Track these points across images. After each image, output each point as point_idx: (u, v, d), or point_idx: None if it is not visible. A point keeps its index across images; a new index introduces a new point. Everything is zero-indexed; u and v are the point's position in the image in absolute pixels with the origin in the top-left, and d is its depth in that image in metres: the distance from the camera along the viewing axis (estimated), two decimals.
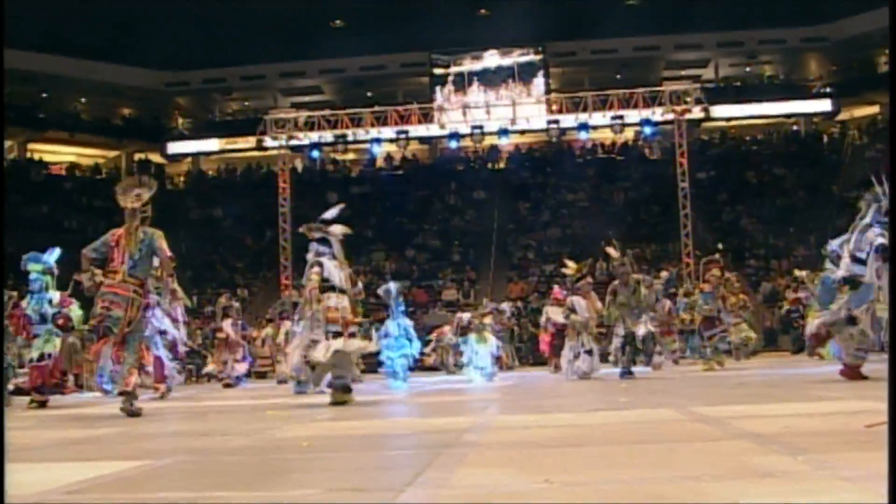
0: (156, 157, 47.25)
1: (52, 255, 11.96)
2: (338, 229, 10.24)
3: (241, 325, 19.14)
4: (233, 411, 9.44)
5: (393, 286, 15.58)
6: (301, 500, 3.27)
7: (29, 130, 45.34)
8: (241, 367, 18.58)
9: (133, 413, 8.56)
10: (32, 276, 11.82)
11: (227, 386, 17.93)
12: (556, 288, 19.68)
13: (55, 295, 11.90)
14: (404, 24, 38.53)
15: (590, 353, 14.23)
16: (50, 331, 11.71)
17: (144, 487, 3.73)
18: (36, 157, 45.70)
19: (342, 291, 9.83)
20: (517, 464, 4.08)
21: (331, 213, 10.53)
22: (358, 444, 5.44)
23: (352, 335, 9.87)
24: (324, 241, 10.16)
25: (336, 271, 9.85)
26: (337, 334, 9.51)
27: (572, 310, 14.48)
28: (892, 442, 2.73)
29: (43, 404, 11.51)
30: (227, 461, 4.57)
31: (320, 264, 9.84)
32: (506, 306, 22.61)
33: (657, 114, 31.15)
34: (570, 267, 15.48)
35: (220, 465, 4.39)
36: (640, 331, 13.57)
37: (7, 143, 45.64)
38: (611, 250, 14.25)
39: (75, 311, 11.80)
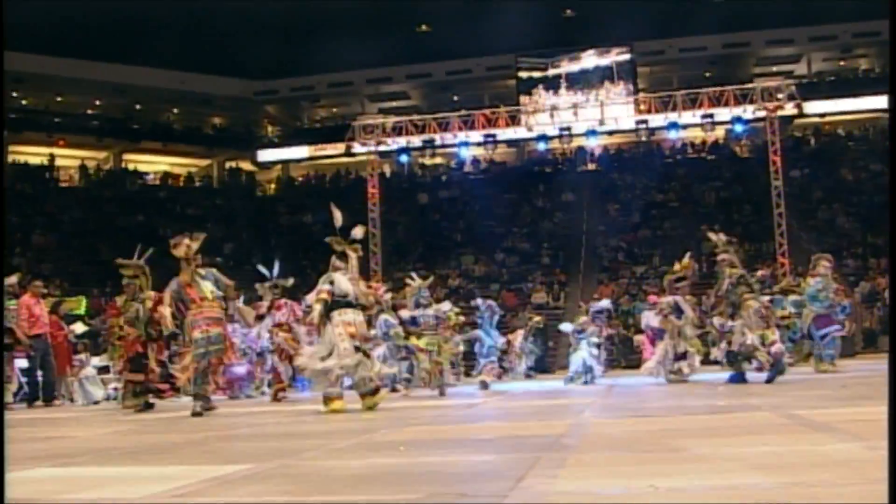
0: (246, 165, 47.97)
1: (144, 256, 12.16)
2: (354, 254, 10.39)
3: None
4: (326, 415, 9.48)
5: (481, 303, 16.11)
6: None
7: (124, 141, 46.44)
8: None
9: (200, 413, 9.85)
10: (125, 280, 12.05)
11: None
12: (651, 297, 19.34)
13: (150, 295, 12.07)
14: (490, 26, 38.52)
15: (684, 356, 13.98)
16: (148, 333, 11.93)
17: (247, 491, 3.75)
18: (131, 167, 46.74)
19: (359, 307, 10.07)
20: (619, 468, 4.02)
21: (358, 234, 10.63)
22: (454, 448, 5.41)
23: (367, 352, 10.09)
24: (343, 256, 10.36)
25: (350, 287, 9.99)
26: (357, 349, 9.77)
27: (677, 309, 14.14)
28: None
29: (149, 406, 11.66)
30: (327, 465, 4.58)
31: (332, 281, 9.99)
32: (606, 302, 22.24)
33: (748, 111, 30.57)
34: (684, 264, 15.04)
35: (320, 469, 4.40)
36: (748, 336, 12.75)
37: (103, 154, 46.80)
38: (713, 235, 13.45)
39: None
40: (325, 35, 40.43)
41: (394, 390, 15.56)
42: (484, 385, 14.78)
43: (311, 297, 10.30)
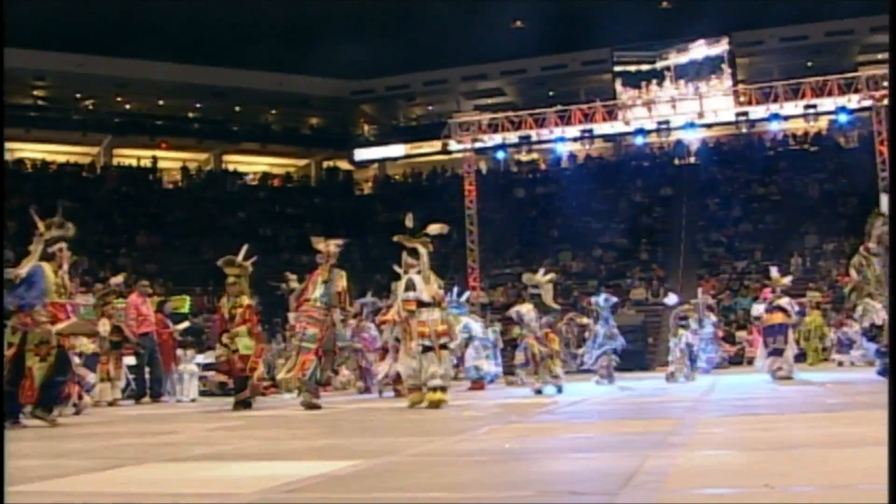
0: (343, 165, 48.41)
1: (242, 255, 12.27)
2: (424, 250, 10.57)
3: None
4: (429, 412, 9.49)
5: (602, 298, 16.23)
6: (516, 502, 3.22)
7: (224, 143, 47.25)
8: None
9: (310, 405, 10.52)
10: (230, 279, 12.15)
11: None
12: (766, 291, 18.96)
13: (245, 299, 12.20)
14: (585, 21, 38.23)
15: (779, 352, 13.74)
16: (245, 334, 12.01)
17: (357, 487, 3.76)
18: (231, 168, 47.55)
19: (433, 304, 10.30)
20: (731, 467, 3.94)
21: (434, 230, 10.79)
22: (560, 445, 5.36)
23: (443, 346, 10.32)
24: (414, 253, 10.61)
25: (423, 286, 10.29)
26: (427, 348, 10.06)
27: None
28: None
29: (247, 404, 11.76)
30: (435, 462, 4.57)
31: (412, 285, 10.35)
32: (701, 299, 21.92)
33: (853, 101, 29.81)
34: (776, 279, 14.76)
35: (429, 467, 4.38)
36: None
37: (204, 156, 47.69)
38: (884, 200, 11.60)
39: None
40: (420, 33, 40.59)
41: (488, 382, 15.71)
42: (603, 380, 15.10)
43: (396, 306, 10.83)
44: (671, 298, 17.24)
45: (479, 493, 3.47)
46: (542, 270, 14.68)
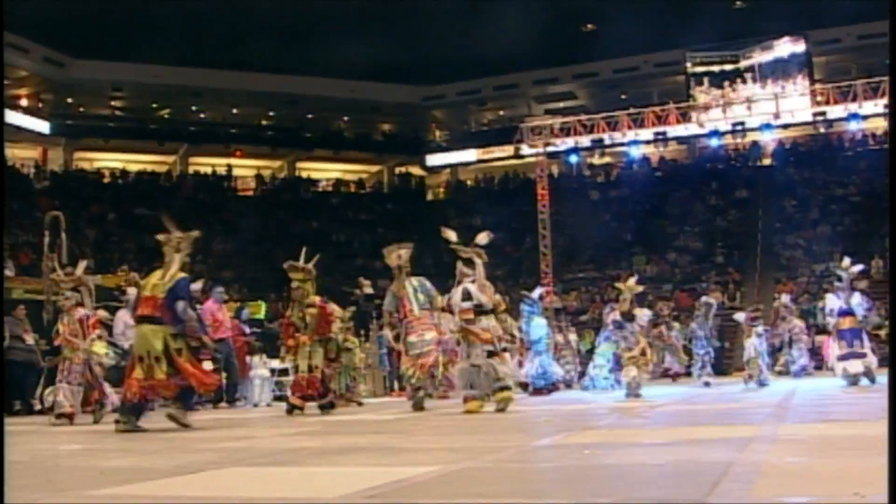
0: (416, 170, 48.58)
1: (303, 258, 12.23)
2: (480, 260, 10.80)
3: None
4: (503, 417, 9.45)
5: (705, 300, 16.81)
6: None
7: (297, 150, 47.74)
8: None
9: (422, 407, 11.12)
10: (294, 284, 12.12)
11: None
12: None
13: (315, 301, 12.13)
14: (657, 22, 37.89)
15: (857, 356, 13.46)
16: (316, 341, 11.95)
17: (438, 493, 3.73)
18: (304, 174, 47.98)
19: (491, 312, 10.60)
20: (818, 475, 3.83)
21: (483, 240, 10.98)
22: (642, 452, 5.28)
23: (504, 350, 10.80)
24: (469, 263, 10.83)
25: (480, 294, 10.55)
26: (492, 353, 10.29)
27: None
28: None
29: (300, 409, 11.73)
30: (515, 468, 4.52)
31: (468, 294, 10.60)
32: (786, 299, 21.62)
33: None
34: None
35: (510, 473, 4.34)
36: None
37: (277, 163, 48.22)
38: None
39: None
40: (491, 38, 40.53)
41: (554, 388, 15.56)
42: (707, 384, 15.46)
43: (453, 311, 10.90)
44: (739, 316, 17.10)
45: (558, 499, 3.42)
46: (633, 279, 14.81)
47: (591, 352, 20.19)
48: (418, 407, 11.27)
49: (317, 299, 12.07)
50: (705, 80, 38.03)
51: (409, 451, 5.87)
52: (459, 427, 8.26)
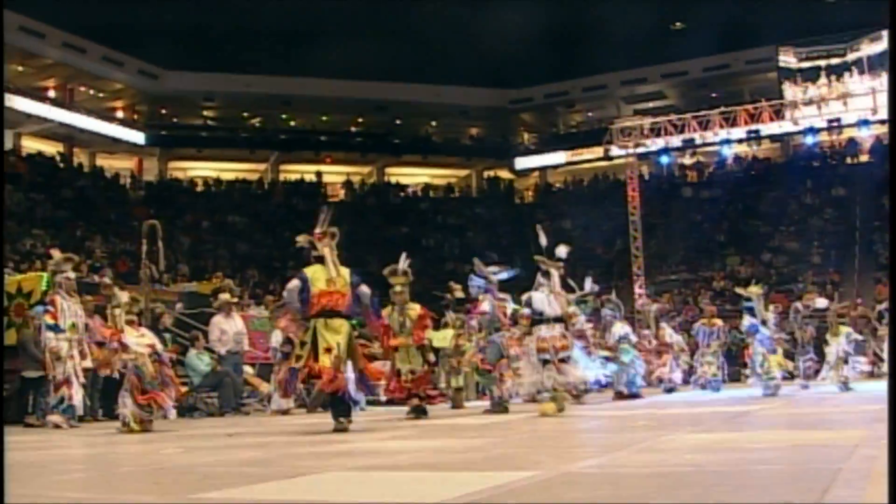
0: (504, 174, 48.50)
1: (402, 262, 12.22)
2: (557, 272, 11.29)
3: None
4: (602, 422, 9.36)
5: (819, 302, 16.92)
6: None
7: (386, 156, 48.01)
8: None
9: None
10: (397, 288, 12.10)
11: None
12: None
13: (414, 306, 12.15)
14: (746, 19, 37.28)
15: None
16: (409, 345, 11.93)
17: (539, 498, 3.69)
18: (393, 180, 48.26)
19: (558, 320, 10.95)
20: None
21: (562, 252, 11.52)
22: (745, 455, 5.15)
23: (562, 360, 10.87)
24: (546, 274, 11.27)
25: (547, 304, 10.93)
26: (545, 362, 10.68)
27: None
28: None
29: (423, 412, 11.69)
30: (613, 472, 4.45)
31: (529, 302, 11.15)
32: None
33: None
34: None
35: (609, 479, 4.28)
36: None
37: (367, 169, 48.58)
38: None
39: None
40: (578, 39, 40.34)
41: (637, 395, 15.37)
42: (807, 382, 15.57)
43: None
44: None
45: None
46: (753, 281, 14.88)
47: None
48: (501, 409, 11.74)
49: (419, 308, 12.11)
50: (799, 76, 37.25)
51: (505, 456, 5.83)
52: (553, 431, 8.19)
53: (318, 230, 9.65)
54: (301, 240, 9.79)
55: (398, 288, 11.93)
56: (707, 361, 17.70)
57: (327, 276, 9.26)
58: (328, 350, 8.87)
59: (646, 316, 21.17)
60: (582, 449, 5.99)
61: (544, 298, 11.03)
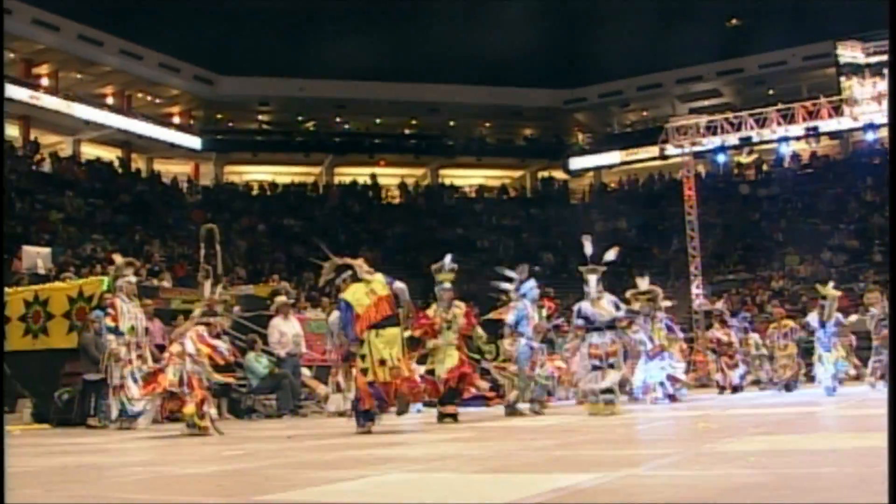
0: (558, 174, 48.35)
1: (446, 259, 12.00)
2: (593, 277, 11.63)
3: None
4: (663, 425, 9.26)
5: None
6: None
7: (440, 158, 48.06)
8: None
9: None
10: (446, 285, 11.88)
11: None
12: None
13: (460, 306, 11.97)
14: (804, 14, 36.83)
15: None
16: (450, 344, 11.68)
17: (603, 500, 3.64)
18: (447, 181, 48.31)
19: (611, 327, 11.50)
20: None
21: (611, 256, 11.86)
22: (806, 460, 5.05)
23: (611, 366, 11.36)
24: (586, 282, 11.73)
25: (596, 311, 11.50)
26: (596, 367, 11.29)
27: None
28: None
29: (453, 417, 11.18)
30: (676, 476, 4.39)
31: (579, 311, 11.79)
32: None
33: None
34: None
35: (672, 480, 4.21)
36: None
37: (421, 171, 48.66)
38: None
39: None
40: (632, 38, 40.12)
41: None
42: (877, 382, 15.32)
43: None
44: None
45: None
46: (830, 283, 14.96)
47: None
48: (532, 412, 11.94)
49: (464, 305, 11.96)
50: (858, 71, 36.57)
51: (566, 458, 5.78)
52: (613, 433, 8.12)
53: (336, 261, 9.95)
54: (326, 273, 9.93)
55: (446, 285, 11.70)
56: (783, 364, 17.90)
57: (366, 288, 9.34)
58: (382, 363, 8.97)
59: (702, 316, 21.03)
60: (643, 451, 5.92)
61: (590, 306, 11.56)
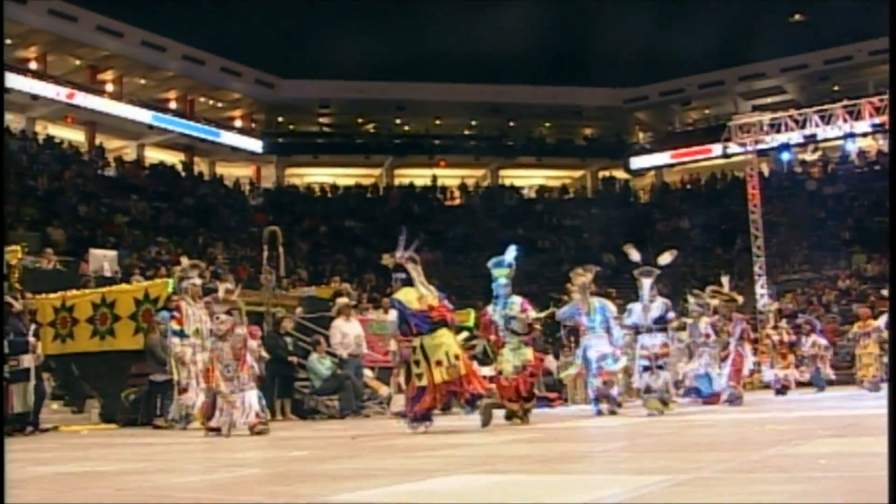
0: (619, 174, 48.09)
1: (510, 254, 11.62)
2: (646, 280, 11.84)
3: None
4: (727, 426, 9.14)
5: None
6: None
7: (500, 158, 48.06)
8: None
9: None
10: (502, 280, 11.45)
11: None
12: None
13: (516, 300, 11.56)
14: (870, 7, 36.17)
15: None
16: (521, 341, 11.39)
17: (674, 501, 3.59)
18: (507, 182, 48.27)
19: (662, 329, 11.85)
20: None
21: (665, 259, 12.05)
22: (878, 463, 4.93)
23: (660, 367, 11.65)
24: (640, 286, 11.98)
25: (641, 315, 11.83)
26: (646, 368, 11.61)
27: None
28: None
29: (523, 415, 10.92)
30: (746, 478, 4.31)
31: (630, 313, 12.17)
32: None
33: None
34: None
35: (742, 482, 4.14)
36: None
37: (481, 172, 48.67)
38: None
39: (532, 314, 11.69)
40: (693, 35, 39.73)
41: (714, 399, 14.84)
42: None
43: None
44: None
45: None
46: None
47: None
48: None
49: (518, 299, 11.58)
50: None
51: (632, 459, 5.72)
52: (678, 435, 8.03)
53: (398, 254, 9.78)
54: (386, 260, 9.87)
55: (503, 280, 11.19)
56: (865, 364, 17.81)
57: (417, 294, 9.43)
58: (439, 363, 9.02)
59: (767, 316, 20.79)
60: (710, 453, 5.83)
61: (640, 310, 11.87)
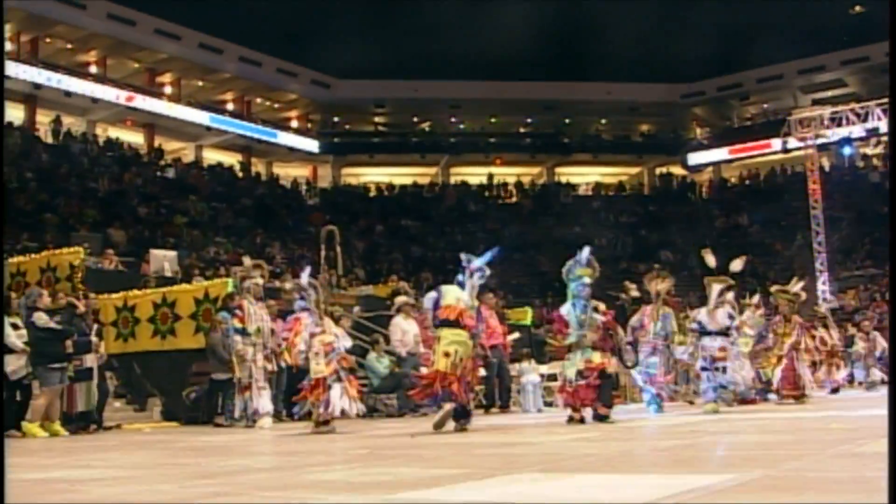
0: (677, 170, 47.69)
1: (585, 253, 11.29)
2: (717, 286, 12.28)
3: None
4: (791, 424, 9.02)
5: None
6: None
7: (556, 156, 47.91)
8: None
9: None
10: (586, 279, 11.10)
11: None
12: None
13: (600, 305, 11.47)
14: None
15: None
16: (592, 343, 11.16)
17: (740, 500, 3.54)
18: (563, 179, 48.08)
19: (721, 333, 12.21)
20: None
21: (737, 266, 12.70)
22: None
23: (717, 369, 12.16)
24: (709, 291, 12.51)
25: (707, 319, 12.26)
26: (705, 369, 12.17)
27: None
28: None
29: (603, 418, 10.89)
30: (815, 477, 4.25)
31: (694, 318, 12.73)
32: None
33: None
34: None
35: (810, 481, 4.08)
36: None
37: (536, 170, 48.57)
38: None
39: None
40: (751, 29, 39.32)
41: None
42: None
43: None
44: None
45: None
46: None
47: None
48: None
49: (603, 306, 11.22)
50: None
51: (694, 457, 5.67)
52: (740, 433, 7.94)
53: (475, 263, 9.95)
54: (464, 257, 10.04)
55: (587, 280, 10.67)
56: None
57: (457, 295, 9.65)
58: (446, 354, 9.19)
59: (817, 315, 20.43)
60: (778, 452, 5.75)
61: (705, 313, 12.28)
